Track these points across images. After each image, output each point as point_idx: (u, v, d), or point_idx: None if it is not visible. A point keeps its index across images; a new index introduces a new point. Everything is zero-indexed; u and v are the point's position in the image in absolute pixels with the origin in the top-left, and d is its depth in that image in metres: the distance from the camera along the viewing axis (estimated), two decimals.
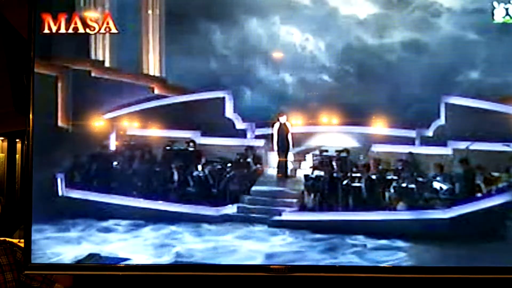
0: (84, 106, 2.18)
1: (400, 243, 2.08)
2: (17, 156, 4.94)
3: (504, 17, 2.09)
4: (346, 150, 2.18)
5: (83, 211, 2.17)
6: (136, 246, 2.13)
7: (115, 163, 2.21)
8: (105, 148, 2.20)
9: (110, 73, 2.21)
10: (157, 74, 2.21)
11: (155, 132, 2.21)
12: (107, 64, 2.22)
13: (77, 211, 2.16)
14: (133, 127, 2.20)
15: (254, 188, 2.20)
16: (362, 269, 2.04)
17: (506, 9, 2.09)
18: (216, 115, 2.20)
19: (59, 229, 2.14)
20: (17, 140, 4.78)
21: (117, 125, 2.19)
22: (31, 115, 2.10)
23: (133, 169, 2.20)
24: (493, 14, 2.09)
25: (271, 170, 2.24)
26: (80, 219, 2.15)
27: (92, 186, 2.19)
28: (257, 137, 2.22)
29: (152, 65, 2.21)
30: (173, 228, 2.14)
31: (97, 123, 2.17)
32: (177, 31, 2.19)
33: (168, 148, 2.21)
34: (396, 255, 2.07)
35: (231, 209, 2.16)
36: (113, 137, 2.19)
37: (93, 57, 2.21)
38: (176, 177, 2.19)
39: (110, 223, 2.16)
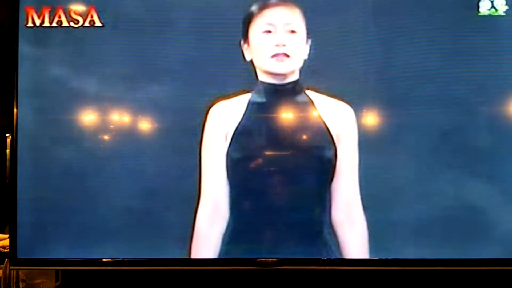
0: None
1: None
2: (7, 151, 4.96)
3: (489, 10, 2.08)
4: None
5: None
6: None
7: None
8: None
9: None
10: None
11: None
12: None
13: None
14: None
15: None
16: (351, 262, 2.05)
17: (492, 1, 2.09)
18: None
19: None
20: (7, 135, 4.78)
21: None
22: (15, 110, 2.12)
23: None
24: (478, 7, 2.08)
25: None
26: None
27: None
28: None
29: None
30: None
31: None
32: None
33: None
34: None
35: None
36: None
37: None
38: None
39: None
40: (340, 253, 2.00)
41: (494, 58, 2.07)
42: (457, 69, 2.07)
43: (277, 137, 2.01)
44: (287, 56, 1.92)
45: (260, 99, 1.99)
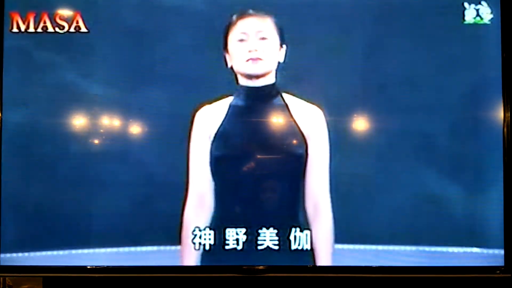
0: None
1: None
2: None
3: (475, 18, 2.08)
4: None
5: None
6: None
7: None
8: None
9: None
10: None
11: None
12: None
13: None
14: None
15: None
16: (339, 269, 2.06)
17: (477, 10, 2.09)
18: None
19: None
20: None
21: None
22: (0, 114, 2.10)
23: None
24: (463, 15, 2.08)
25: None
26: None
27: None
28: None
29: None
30: None
31: None
32: None
33: None
34: None
35: None
36: None
37: None
38: None
39: None
40: (310, 246, 2.08)
41: (479, 66, 2.08)
42: (441, 76, 2.09)
43: (255, 136, 2.13)
44: (260, 59, 2.09)
45: (239, 102, 2.13)
